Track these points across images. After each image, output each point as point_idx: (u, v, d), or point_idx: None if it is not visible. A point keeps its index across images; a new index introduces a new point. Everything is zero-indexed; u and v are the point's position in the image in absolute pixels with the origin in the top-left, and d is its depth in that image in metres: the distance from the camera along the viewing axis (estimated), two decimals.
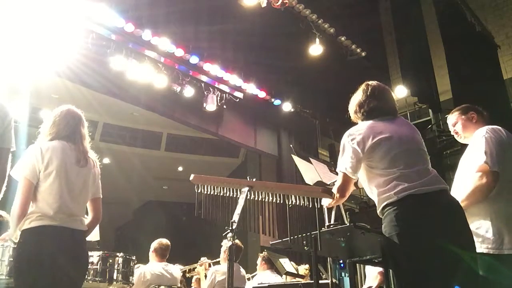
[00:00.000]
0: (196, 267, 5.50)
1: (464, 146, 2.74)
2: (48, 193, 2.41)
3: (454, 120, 2.81)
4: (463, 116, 2.78)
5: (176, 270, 4.72)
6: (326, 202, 2.26)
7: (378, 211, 2.20)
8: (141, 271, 4.42)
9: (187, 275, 5.55)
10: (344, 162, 2.23)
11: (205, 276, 4.99)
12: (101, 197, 2.74)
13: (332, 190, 2.24)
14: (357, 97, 2.44)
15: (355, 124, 2.40)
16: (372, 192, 2.22)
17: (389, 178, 2.11)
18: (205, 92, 7.36)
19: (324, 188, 2.44)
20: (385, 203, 2.11)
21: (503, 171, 2.40)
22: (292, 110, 8.58)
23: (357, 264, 4.13)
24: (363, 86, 2.46)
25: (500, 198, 2.41)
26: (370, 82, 2.45)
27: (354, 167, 2.20)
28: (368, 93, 2.39)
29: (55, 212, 2.38)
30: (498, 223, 2.35)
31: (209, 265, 5.28)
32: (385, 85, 2.47)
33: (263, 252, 5.35)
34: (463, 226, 2.09)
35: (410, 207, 2.04)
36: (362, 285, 5.47)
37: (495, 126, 2.61)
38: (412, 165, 2.13)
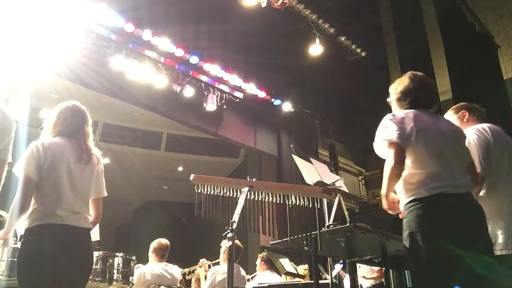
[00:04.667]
0: (196, 269, 5.50)
1: None
2: (50, 190, 2.40)
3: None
4: (455, 116, 2.80)
5: (176, 270, 4.72)
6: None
7: (401, 204, 2.13)
8: (141, 271, 4.42)
9: (187, 277, 5.54)
10: (390, 133, 2.13)
11: (205, 278, 4.99)
12: (106, 195, 2.72)
13: (386, 168, 2.13)
14: (403, 84, 2.36)
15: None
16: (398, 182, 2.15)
17: (423, 172, 2.06)
18: (205, 92, 7.36)
19: (324, 188, 2.45)
20: (413, 197, 2.05)
21: (492, 170, 2.42)
22: (292, 110, 8.57)
23: (357, 264, 4.12)
24: (409, 74, 2.39)
25: (495, 197, 2.42)
26: (416, 72, 2.39)
27: (404, 136, 2.09)
28: (416, 82, 2.33)
29: (57, 209, 2.36)
30: (491, 223, 2.34)
31: (209, 266, 5.28)
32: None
33: (262, 253, 5.35)
34: (485, 231, 2.08)
35: (439, 205, 2.00)
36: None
37: (483, 125, 2.62)
38: (448, 164, 2.09)
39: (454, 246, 1.90)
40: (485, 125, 2.60)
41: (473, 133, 2.53)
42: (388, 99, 2.46)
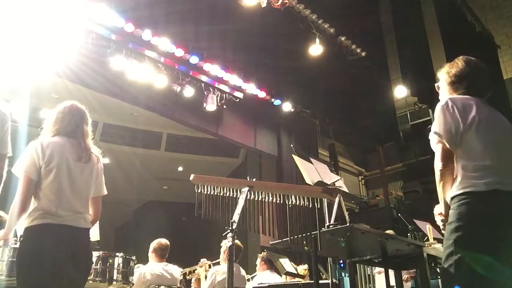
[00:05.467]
0: (196, 269, 5.50)
1: None
2: (50, 190, 2.39)
3: None
4: None
5: (176, 270, 4.71)
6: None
7: (450, 194, 1.99)
8: (141, 272, 4.41)
9: (188, 277, 5.54)
10: (442, 130, 2.02)
11: (205, 277, 4.98)
12: (106, 193, 2.72)
13: (435, 166, 2.03)
14: (457, 67, 2.23)
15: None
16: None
17: (479, 164, 1.95)
18: (205, 92, 7.36)
19: (324, 188, 2.44)
20: (469, 189, 1.92)
21: None
22: (292, 110, 8.58)
23: (357, 264, 4.12)
24: (463, 58, 2.26)
25: None
26: (469, 57, 2.27)
27: (453, 137, 1.99)
28: (472, 66, 2.21)
29: (57, 209, 2.36)
30: None
31: (209, 266, 5.28)
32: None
33: (262, 253, 5.35)
34: None
35: (497, 202, 1.89)
36: (362, 285, 5.46)
37: None
38: (505, 158, 2.00)
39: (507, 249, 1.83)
40: None
41: None
42: (436, 84, 2.34)
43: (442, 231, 2.07)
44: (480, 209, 1.89)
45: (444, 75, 2.27)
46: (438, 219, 2.10)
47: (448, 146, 2.00)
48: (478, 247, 1.82)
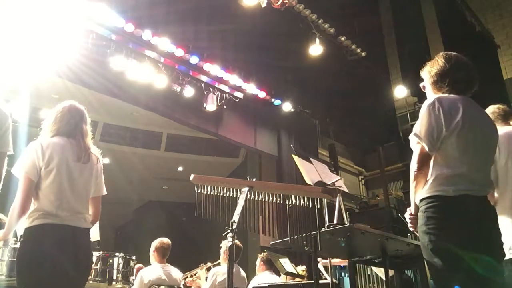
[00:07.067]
0: (196, 272, 5.50)
1: None
2: (50, 191, 2.39)
3: None
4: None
5: (175, 271, 4.72)
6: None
7: (419, 196, 2.00)
8: (141, 275, 4.42)
9: (188, 278, 5.53)
10: (423, 132, 1.99)
11: (206, 279, 4.98)
12: (105, 193, 2.72)
13: (411, 165, 2.03)
14: (437, 65, 2.18)
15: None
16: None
17: (454, 172, 1.94)
18: (205, 92, 7.36)
19: (324, 188, 2.44)
20: (438, 193, 1.93)
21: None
22: (292, 110, 8.58)
23: (357, 264, 4.12)
24: (443, 54, 2.22)
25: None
26: (449, 53, 2.22)
27: (434, 142, 1.96)
28: (452, 63, 2.15)
29: (57, 209, 2.36)
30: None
31: (208, 269, 5.27)
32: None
33: (262, 253, 5.34)
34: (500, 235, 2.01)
35: (465, 207, 1.90)
36: (362, 285, 5.47)
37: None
38: (479, 164, 2.00)
39: (475, 249, 1.84)
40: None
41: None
42: (421, 84, 2.31)
43: (410, 228, 2.12)
44: (449, 211, 1.90)
45: (426, 75, 2.25)
46: (407, 216, 2.13)
47: (426, 149, 1.98)
48: (451, 248, 1.84)
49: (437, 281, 1.94)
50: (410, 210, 2.10)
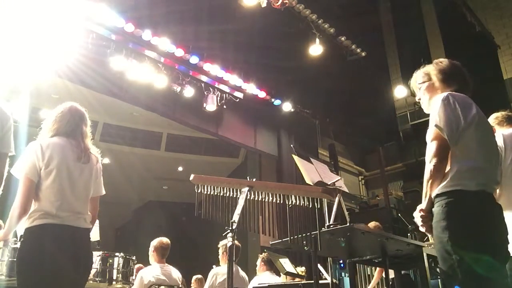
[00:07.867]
0: None
1: None
2: (50, 191, 2.39)
3: None
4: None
5: (175, 271, 4.72)
6: None
7: (436, 192, 1.96)
8: (141, 275, 4.41)
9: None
10: (443, 123, 1.96)
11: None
12: (104, 193, 2.72)
13: (427, 160, 2.00)
14: (442, 64, 2.21)
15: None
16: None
17: (473, 165, 1.93)
18: (205, 92, 7.36)
19: (324, 188, 2.44)
20: (459, 187, 1.90)
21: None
22: (292, 110, 8.58)
23: (357, 264, 4.12)
24: (440, 59, 2.26)
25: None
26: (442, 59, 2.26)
27: (454, 133, 1.94)
28: (456, 64, 2.21)
29: (57, 210, 2.36)
30: None
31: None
32: None
33: (263, 253, 5.34)
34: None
35: (484, 201, 1.91)
36: (362, 285, 5.46)
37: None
38: (491, 160, 2.02)
39: (493, 247, 1.84)
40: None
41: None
42: (417, 98, 2.32)
43: (421, 228, 2.05)
44: (471, 207, 1.88)
45: (432, 73, 2.23)
46: (418, 216, 2.05)
47: (448, 141, 1.95)
48: (473, 245, 1.81)
49: (452, 278, 1.85)
50: (422, 207, 2.02)
